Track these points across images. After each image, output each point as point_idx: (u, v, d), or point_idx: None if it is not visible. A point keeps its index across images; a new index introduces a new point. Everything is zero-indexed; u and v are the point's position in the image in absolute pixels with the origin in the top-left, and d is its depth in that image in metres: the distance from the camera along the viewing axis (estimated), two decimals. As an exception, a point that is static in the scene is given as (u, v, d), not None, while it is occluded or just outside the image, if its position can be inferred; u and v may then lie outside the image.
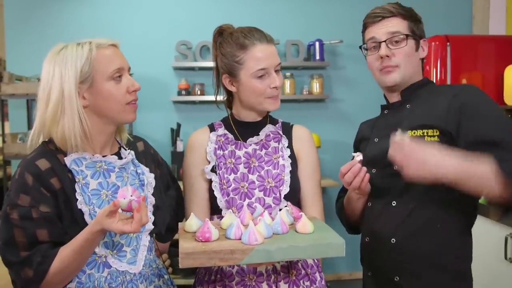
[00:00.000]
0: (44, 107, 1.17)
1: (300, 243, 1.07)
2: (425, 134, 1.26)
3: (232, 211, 1.30)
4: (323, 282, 1.38)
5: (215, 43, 1.40)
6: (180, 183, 1.47)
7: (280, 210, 1.27)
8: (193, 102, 3.80)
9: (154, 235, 1.31)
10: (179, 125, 3.67)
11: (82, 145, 1.18)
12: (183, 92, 3.70)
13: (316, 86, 3.79)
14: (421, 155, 1.11)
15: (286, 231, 1.16)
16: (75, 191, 1.16)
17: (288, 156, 1.39)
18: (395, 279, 1.30)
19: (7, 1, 3.67)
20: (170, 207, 1.39)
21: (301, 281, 1.32)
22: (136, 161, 1.31)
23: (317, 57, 3.76)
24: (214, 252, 1.03)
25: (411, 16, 1.34)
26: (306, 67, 3.85)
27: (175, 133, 3.66)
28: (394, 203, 1.30)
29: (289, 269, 1.32)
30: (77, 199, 1.15)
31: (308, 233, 1.15)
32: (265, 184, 1.35)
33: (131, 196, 1.05)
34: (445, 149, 1.13)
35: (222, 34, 1.39)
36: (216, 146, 1.39)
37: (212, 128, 1.43)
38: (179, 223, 1.28)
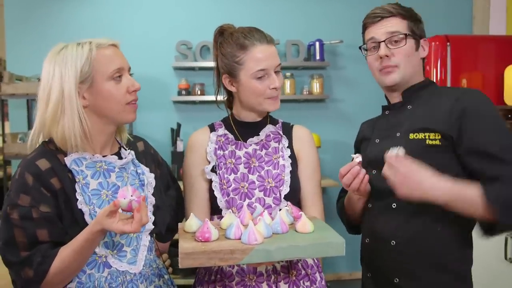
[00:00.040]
0: (44, 107, 1.17)
1: (300, 242, 1.07)
2: (427, 137, 1.25)
3: (232, 211, 1.30)
4: (323, 282, 1.38)
5: (216, 43, 1.40)
6: (180, 183, 1.47)
7: (280, 210, 1.27)
8: (193, 102, 3.80)
9: (154, 235, 1.31)
10: (179, 125, 3.66)
11: (82, 145, 1.18)
12: (183, 92, 3.70)
13: (316, 86, 3.79)
14: (417, 177, 1.14)
15: (286, 231, 1.15)
16: (75, 191, 1.16)
17: (288, 156, 1.39)
18: (395, 281, 1.29)
19: (7, 1, 3.67)
20: (170, 207, 1.39)
21: (301, 281, 1.32)
22: (136, 161, 1.31)
23: (317, 57, 3.76)
24: (214, 252, 1.03)
25: (410, 16, 1.34)
26: (306, 67, 3.84)
27: (175, 133, 3.66)
28: (394, 205, 1.30)
29: (289, 269, 1.32)
30: (77, 199, 1.15)
31: (308, 232, 1.15)
32: (265, 184, 1.35)
33: (131, 196, 1.05)
34: (437, 173, 1.16)
35: (222, 34, 1.39)
36: (216, 146, 1.39)
37: (212, 128, 1.43)
38: (179, 223, 1.28)
